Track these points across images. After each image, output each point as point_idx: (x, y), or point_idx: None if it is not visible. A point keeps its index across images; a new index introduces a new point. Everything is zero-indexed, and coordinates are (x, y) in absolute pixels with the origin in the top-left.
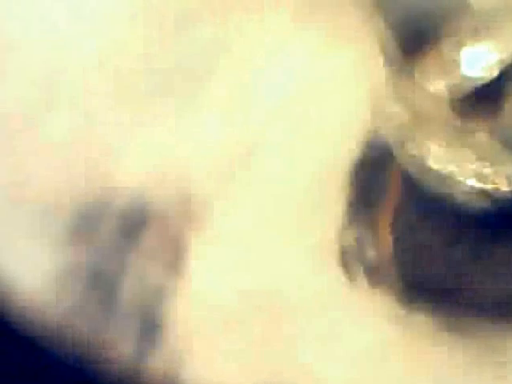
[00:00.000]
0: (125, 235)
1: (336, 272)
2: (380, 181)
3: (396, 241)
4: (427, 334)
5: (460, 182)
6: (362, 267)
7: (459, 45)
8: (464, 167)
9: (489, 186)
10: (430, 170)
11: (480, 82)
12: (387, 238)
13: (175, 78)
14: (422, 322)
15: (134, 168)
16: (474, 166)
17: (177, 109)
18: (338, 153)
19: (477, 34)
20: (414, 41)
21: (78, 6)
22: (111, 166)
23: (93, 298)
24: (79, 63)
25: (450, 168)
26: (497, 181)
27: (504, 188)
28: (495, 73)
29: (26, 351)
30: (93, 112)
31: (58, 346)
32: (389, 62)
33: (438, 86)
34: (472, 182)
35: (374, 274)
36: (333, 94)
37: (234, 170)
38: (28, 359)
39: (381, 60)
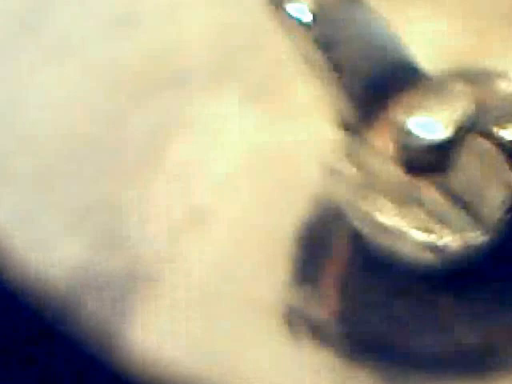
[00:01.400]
0: None
1: (281, 332)
2: (327, 240)
3: (341, 299)
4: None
5: (409, 236)
6: (306, 326)
7: (410, 108)
8: (413, 222)
9: (436, 241)
10: (380, 225)
11: (430, 143)
12: (333, 297)
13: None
14: (364, 378)
15: None
16: (422, 221)
17: (128, 181)
18: (288, 214)
19: (429, 97)
20: (366, 106)
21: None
22: None
23: None
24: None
25: (399, 223)
26: (444, 236)
27: (451, 243)
28: (445, 134)
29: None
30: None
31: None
32: (341, 126)
33: (388, 146)
34: (420, 237)
35: (318, 333)
36: (283, 160)
37: (184, 236)
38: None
39: (332, 126)
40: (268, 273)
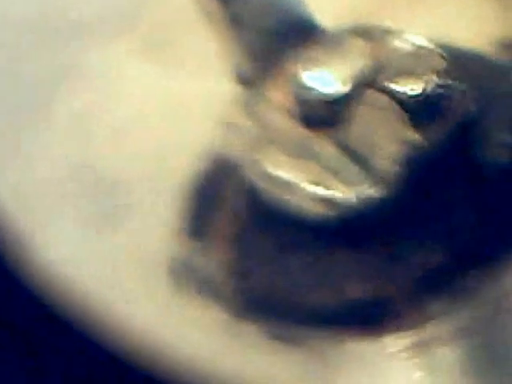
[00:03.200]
0: None
1: (170, 285)
2: (220, 193)
3: (233, 252)
4: (258, 344)
5: (304, 190)
6: (195, 278)
7: (307, 62)
8: (308, 176)
9: (331, 195)
10: (275, 178)
11: (326, 97)
12: (224, 250)
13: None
14: (253, 332)
15: None
16: (317, 175)
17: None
18: (182, 166)
19: (326, 52)
20: (264, 59)
21: None
22: None
23: None
24: None
25: (294, 177)
26: (338, 188)
27: (345, 197)
28: (341, 88)
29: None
30: None
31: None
32: (239, 79)
33: (286, 99)
34: (315, 190)
35: (207, 285)
36: (180, 112)
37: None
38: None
39: (230, 79)
40: (158, 224)
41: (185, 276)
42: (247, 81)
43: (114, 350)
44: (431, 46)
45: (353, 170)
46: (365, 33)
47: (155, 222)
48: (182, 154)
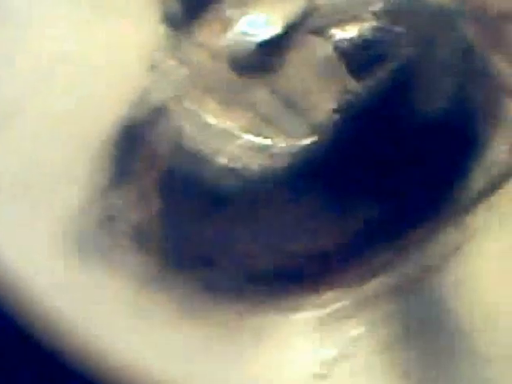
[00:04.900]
0: None
1: (98, 233)
2: (149, 139)
3: (161, 202)
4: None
5: (237, 137)
6: (125, 228)
7: (240, 4)
8: (241, 123)
9: (266, 142)
10: (206, 125)
11: (260, 41)
12: (153, 199)
13: None
14: (179, 287)
15: None
16: (251, 123)
17: None
18: (109, 111)
19: None
20: (195, 1)
21: None
22: None
23: None
24: None
25: (226, 123)
26: (274, 137)
27: (281, 144)
28: (275, 32)
29: None
30: None
31: None
32: (168, 21)
33: (217, 43)
34: (249, 138)
35: (138, 235)
36: (103, 56)
37: None
38: None
39: (158, 21)
40: (83, 175)
41: (118, 226)
42: (177, 23)
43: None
44: None
45: (288, 118)
46: None
47: (82, 173)
48: (107, 98)
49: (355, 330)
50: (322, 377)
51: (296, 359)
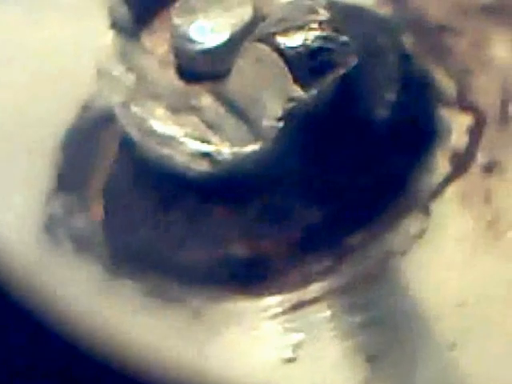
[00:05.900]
0: None
1: (42, 239)
2: (94, 145)
3: (107, 207)
4: (132, 302)
5: (182, 144)
6: (69, 234)
7: (188, 12)
8: (187, 130)
9: (210, 149)
10: (152, 131)
11: (206, 48)
12: (98, 204)
13: None
14: (128, 290)
15: None
16: (196, 129)
17: None
18: (52, 118)
19: (205, 3)
20: (143, 7)
21: None
22: None
23: None
24: None
25: (172, 130)
26: (219, 144)
27: (225, 152)
28: (222, 39)
29: None
30: None
31: None
32: (117, 27)
33: (165, 50)
34: (194, 145)
35: (82, 241)
36: (49, 61)
37: None
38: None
39: (106, 26)
40: (30, 182)
41: (59, 232)
42: (125, 29)
43: None
44: None
45: (233, 125)
46: None
47: (27, 180)
48: (53, 103)
49: (320, 314)
50: (290, 361)
51: (263, 344)
